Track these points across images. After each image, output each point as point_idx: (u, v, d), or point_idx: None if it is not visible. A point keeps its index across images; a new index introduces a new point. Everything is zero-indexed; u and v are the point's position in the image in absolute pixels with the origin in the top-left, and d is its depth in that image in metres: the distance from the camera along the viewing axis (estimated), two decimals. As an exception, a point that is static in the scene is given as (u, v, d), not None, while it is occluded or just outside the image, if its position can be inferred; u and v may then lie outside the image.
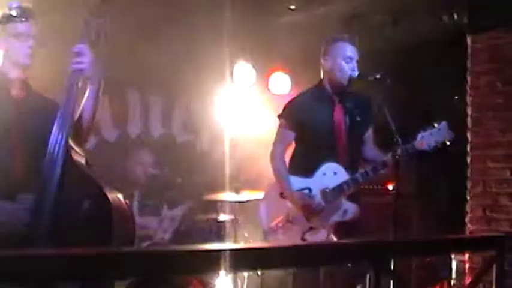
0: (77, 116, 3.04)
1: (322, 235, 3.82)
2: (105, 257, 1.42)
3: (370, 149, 4.00)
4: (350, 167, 3.86)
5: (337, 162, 3.84)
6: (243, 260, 1.67)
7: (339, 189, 3.80)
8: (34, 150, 2.89)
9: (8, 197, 2.84)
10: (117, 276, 1.56)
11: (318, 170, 3.84)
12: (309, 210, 3.81)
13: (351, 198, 3.87)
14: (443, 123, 3.77)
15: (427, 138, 3.73)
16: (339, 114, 3.91)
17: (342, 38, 3.93)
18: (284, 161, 3.97)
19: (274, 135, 4.03)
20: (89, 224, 2.83)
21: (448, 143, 3.77)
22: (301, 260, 1.99)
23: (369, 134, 4.00)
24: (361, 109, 3.94)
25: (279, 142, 3.99)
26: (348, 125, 3.90)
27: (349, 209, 3.84)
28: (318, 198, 3.83)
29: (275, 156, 3.96)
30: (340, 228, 3.83)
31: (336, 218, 3.83)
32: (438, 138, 3.74)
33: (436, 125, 3.76)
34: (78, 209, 2.82)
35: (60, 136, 2.85)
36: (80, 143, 3.11)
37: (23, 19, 2.96)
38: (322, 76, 3.99)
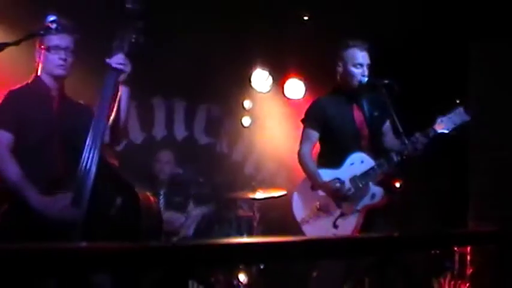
0: (112, 117, 3.19)
1: (352, 220, 3.95)
2: (135, 250, 1.45)
3: (391, 139, 4.09)
4: (375, 156, 3.99)
5: (363, 151, 4.00)
6: (260, 252, 1.71)
7: (366, 175, 3.94)
8: (72, 152, 3.06)
9: (49, 194, 3.03)
10: (147, 269, 1.57)
11: (346, 161, 3.99)
12: (340, 196, 3.96)
13: (381, 183, 4.01)
14: (460, 108, 3.94)
15: (446, 121, 3.89)
16: (358, 114, 4.07)
17: (354, 44, 4.05)
18: (311, 157, 4.11)
19: (301, 137, 4.18)
20: (121, 220, 3.00)
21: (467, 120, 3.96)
22: (313, 254, 2.04)
23: (387, 125, 4.10)
24: (377, 104, 4.05)
25: (305, 142, 4.12)
26: (368, 119, 4.06)
27: (377, 192, 3.96)
28: (348, 185, 3.96)
29: (302, 154, 4.09)
30: (371, 214, 3.96)
31: (365, 202, 3.95)
32: (456, 121, 3.91)
33: (453, 109, 3.94)
34: (111, 206, 3.01)
35: (95, 139, 3.01)
36: (115, 143, 3.32)
37: (58, 32, 3.11)
38: (338, 79, 4.14)
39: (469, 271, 4.76)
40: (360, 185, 3.95)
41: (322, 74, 5.40)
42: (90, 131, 3.04)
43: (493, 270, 4.67)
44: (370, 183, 3.97)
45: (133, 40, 3.18)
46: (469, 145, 5.06)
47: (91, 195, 2.95)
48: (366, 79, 3.98)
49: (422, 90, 5.56)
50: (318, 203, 4.03)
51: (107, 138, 3.17)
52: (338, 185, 3.96)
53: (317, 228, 3.99)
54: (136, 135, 6.26)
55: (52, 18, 3.04)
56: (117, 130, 3.25)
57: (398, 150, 3.90)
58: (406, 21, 5.39)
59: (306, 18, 6.11)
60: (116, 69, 3.11)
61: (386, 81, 3.87)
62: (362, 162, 3.99)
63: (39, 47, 3.26)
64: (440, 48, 5.53)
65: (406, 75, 4.83)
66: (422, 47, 5.62)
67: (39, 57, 3.28)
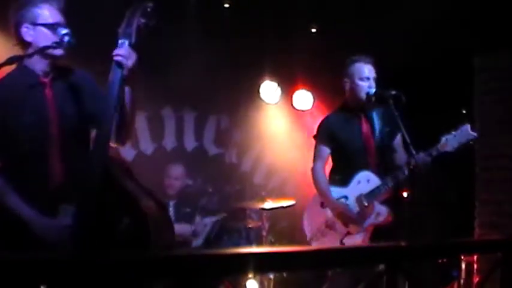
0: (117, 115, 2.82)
1: (359, 239, 3.98)
2: (144, 260, 1.44)
3: (401, 155, 4.09)
4: (383, 174, 4.02)
5: (370, 170, 4.03)
6: (269, 262, 1.71)
7: (372, 194, 3.98)
8: (73, 153, 2.80)
9: (51, 207, 2.70)
10: (156, 279, 1.52)
11: (353, 179, 4.04)
12: (346, 218, 4.02)
13: (386, 202, 4.02)
14: (466, 125, 3.85)
15: (451, 141, 3.82)
16: (366, 127, 4.10)
17: (358, 59, 4.13)
18: (324, 174, 4.18)
19: (313, 153, 4.24)
20: (128, 241, 2.69)
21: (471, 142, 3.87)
22: (322, 263, 2.04)
23: (398, 140, 4.10)
24: (386, 119, 4.07)
25: (317, 158, 4.20)
26: (377, 135, 4.09)
27: (382, 212, 3.99)
28: (354, 204, 4.03)
29: (315, 170, 4.17)
30: (376, 232, 3.99)
31: (370, 221, 3.98)
32: (461, 139, 3.83)
33: (459, 127, 3.85)
34: (118, 225, 2.67)
35: (101, 145, 2.70)
36: (120, 143, 2.97)
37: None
38: (346, 95, 4.19)
39: (476, 280, 4.77)
40: (366, 204, 4.00)
41: (330, 85, 5.48)
42: (96, 135, 2.74)
43: (500, 279, 4.70)
44: (375, 203, 4.01)
45: (141, 24, 2.85)
46: (475, 154, 5.09)
47: (95, 214, 2.61)
48: (373, 90, 4.03)
49: (429, 103, 5.61)
50: (326, 220, 4.11)
51: (112, 139, 2.83)
52: (344, 207, 4.02)
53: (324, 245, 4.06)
54: (147, 145, 6.32)
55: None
56: (122, 128, 2.92)
57: (406, 162, 3.90)
58: (412, 35, 5.45)
59: (314, 30, 6.18)
60: (119, 63, 2.74)
61: (393, 92, 3.89)
62: (368, 181, 4.03)
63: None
64: (445, 62, 5.57)
65: (412, 88, 4.74)
66: (428, 60, 5.67)
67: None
